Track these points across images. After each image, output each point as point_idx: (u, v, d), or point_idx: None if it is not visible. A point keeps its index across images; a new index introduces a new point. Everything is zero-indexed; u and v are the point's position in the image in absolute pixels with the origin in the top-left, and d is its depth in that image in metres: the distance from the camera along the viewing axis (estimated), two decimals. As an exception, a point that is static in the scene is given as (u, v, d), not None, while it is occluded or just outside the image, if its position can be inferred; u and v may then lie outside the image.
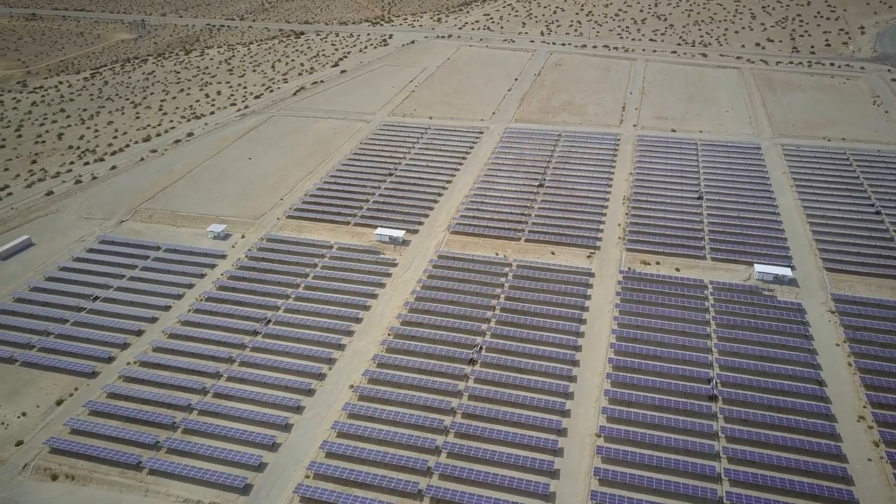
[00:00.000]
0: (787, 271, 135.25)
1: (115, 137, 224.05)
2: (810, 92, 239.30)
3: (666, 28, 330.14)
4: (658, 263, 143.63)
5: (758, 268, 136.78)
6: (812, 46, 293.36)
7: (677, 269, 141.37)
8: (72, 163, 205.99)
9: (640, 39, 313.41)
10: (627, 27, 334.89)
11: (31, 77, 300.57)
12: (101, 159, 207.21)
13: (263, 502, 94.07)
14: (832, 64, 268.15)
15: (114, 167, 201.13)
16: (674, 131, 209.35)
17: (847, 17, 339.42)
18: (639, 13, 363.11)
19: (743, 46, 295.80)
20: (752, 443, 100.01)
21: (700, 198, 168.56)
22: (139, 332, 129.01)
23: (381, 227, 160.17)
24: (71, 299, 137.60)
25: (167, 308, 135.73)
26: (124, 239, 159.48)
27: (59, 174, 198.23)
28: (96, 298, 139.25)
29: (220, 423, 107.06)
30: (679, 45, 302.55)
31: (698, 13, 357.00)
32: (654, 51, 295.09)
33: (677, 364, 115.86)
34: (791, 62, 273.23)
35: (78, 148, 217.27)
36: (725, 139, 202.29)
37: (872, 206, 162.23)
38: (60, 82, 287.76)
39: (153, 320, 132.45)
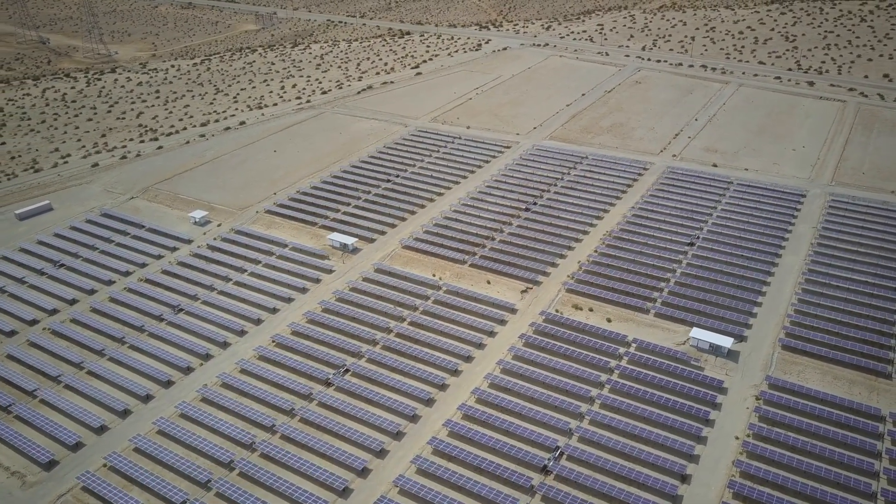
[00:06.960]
0: (727, 341, 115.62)
1: (180, 120, 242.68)
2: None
3: (785, 50, 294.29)
4: (591, 310, 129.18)
5: (694, 332, 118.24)
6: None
7: (608, 320, 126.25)
8: (130, 140, 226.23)
9: (748, 61, 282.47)
10: (743, 47, 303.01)
11: (155, 59, 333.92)
12: (155, 139, 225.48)
13: (58, 481, 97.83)
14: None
15: (160, 147, 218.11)
16: (715, 166, 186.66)
17: None
18: (768, 31, 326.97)
19: (866, 77, 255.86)
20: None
21: (691, 244, 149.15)
22: (73, 302, 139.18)
23: (338, 232, 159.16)
24: (39, 262, 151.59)
25: (109, 283, 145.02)
26: (121, 214, 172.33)
27: (115, 149, 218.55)
28: (61, 265, 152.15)
29: (68, 398, 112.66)
30: (790, 69, 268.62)
31: (837, 35, 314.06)
32: (756, 74, 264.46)
33: (534, 426, 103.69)
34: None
35: (145, 126, 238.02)
36: (769, 181, 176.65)
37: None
38: (172, 66, 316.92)
39: (91, 292, 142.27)
